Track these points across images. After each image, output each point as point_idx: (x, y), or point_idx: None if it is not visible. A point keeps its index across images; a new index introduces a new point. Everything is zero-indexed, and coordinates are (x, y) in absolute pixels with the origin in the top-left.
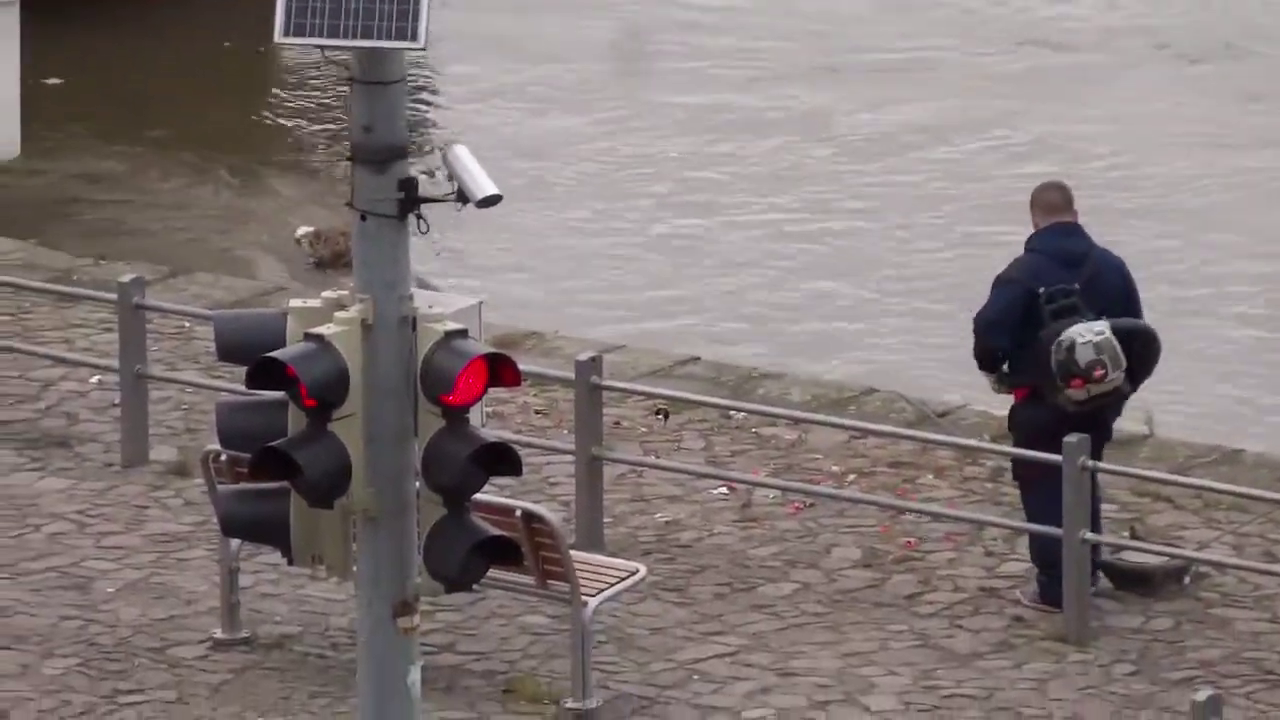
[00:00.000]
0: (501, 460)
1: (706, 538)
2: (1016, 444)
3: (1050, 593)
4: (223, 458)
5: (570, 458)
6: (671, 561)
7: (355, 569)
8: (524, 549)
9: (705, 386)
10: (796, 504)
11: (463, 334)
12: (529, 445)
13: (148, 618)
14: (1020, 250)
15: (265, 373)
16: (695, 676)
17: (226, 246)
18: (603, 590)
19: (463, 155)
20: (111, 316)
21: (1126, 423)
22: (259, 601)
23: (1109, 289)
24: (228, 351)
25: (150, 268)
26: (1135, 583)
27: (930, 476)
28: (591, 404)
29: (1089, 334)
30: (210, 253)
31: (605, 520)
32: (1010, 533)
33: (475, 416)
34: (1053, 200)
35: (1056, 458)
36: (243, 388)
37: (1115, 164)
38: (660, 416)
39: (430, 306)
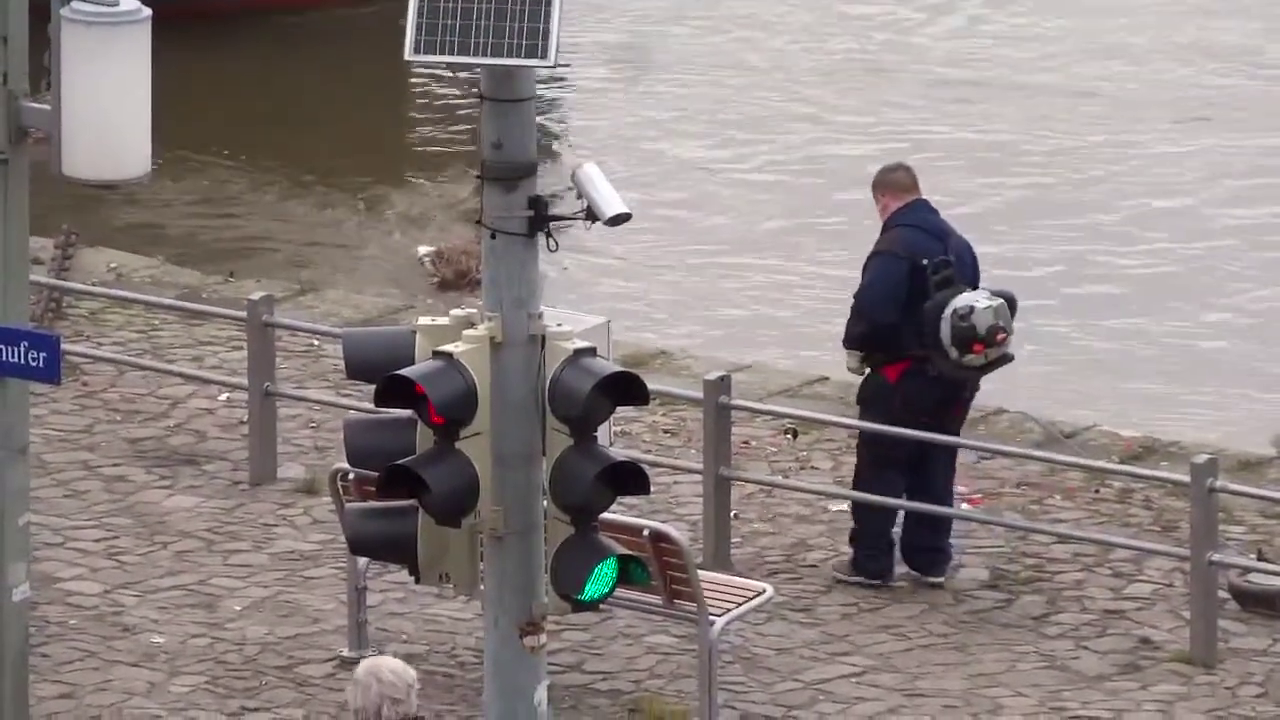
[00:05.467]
0: (629, 479)
1: (834, 557)
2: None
3: (868, 566)
4: (351, 476)
5: (698, 477)
6: (798, 581)
7: (482, 587)
8: (651, 568)
9: (833, 406)
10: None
11: (591, 352)
12: (657, 464)
13: (275, 636)
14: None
15: (394, 391)
16: (822, 697)
17: (353, 265)
18: (729, 610)
19: (593, 174)
20: (241, 334)
21: (1253, 444)
22: (386, 620)
23: (967, 264)
24: (356, 369)
25: (279, 285)
26: (1262, 604)
27: (1058, 497)
28: (719, 423)
29: (984, 300)
30: (337, 271)
31: (733, 540)
32: (1138, 554)
33: (603, 435)
34: (904, 180)
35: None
36: (371, 406)
37: None
38: (789, 436)
39: (559, 325)
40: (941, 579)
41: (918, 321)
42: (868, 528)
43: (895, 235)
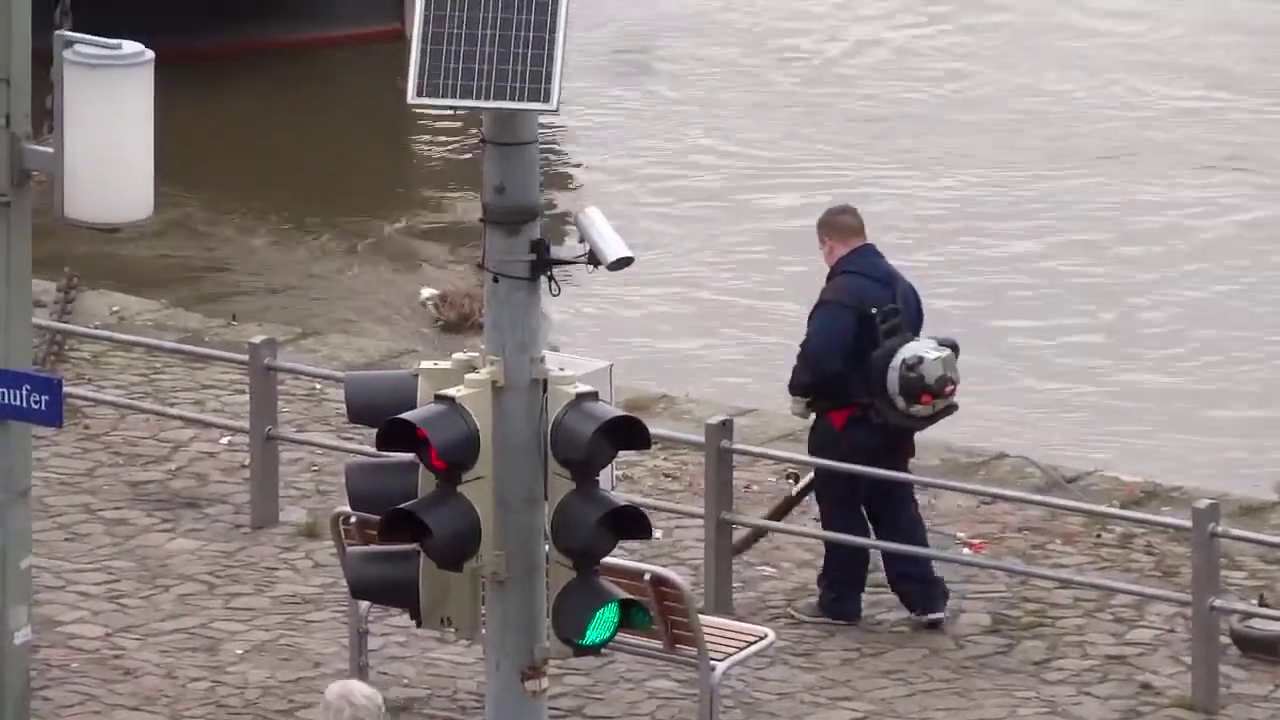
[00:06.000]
0: (631, 524)
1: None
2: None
3: (833, 607)
4: (352, 519)
5: (700, 522)
6: (799, 626)
7: (484, 631)
8: (653, 613)
9: None
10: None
11: (593, 396)
12: (658, 509)
13: (276, 679)
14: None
15: (396, 434)
16: None
17: (354, 309)
18: (731, 655)
19: (595, 217)
20: (243, 378)
21: (1255, 489)
22: (387, 664)
23: (912, 309)
24: (358, 413)
25: (281, 329)
26: (1264, 650)
27: (1059, 542)
28: (721, 468)
29: (932, 350)
30: (339, 315)
31: (734, 584)
32: (1140, 599)
33: (605, 480)
34: (851, 224)
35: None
36: (373, 449)
37: None
38: (791, 480)
39: (561, 369)
40: (941, 615)
41: (865, 370)
42: (837, 565)
43: (841, 283)
